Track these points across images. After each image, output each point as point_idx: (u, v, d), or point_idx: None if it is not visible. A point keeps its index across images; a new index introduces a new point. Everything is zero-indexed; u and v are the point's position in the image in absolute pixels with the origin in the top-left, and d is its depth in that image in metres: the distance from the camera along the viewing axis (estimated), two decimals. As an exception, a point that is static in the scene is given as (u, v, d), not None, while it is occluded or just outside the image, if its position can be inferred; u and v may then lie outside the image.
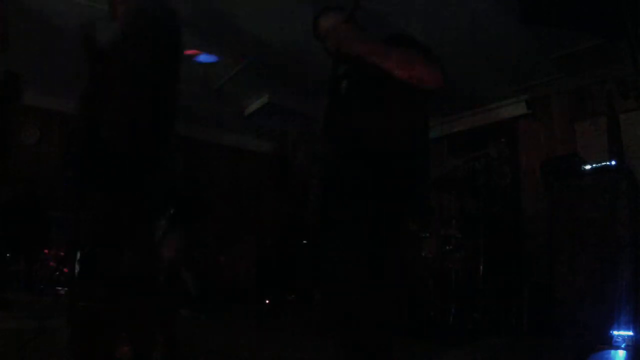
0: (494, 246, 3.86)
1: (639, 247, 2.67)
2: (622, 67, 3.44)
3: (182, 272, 4.23)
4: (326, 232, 1.46)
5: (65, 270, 3.72)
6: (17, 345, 2.03)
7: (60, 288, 3.63)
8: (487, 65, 3.89)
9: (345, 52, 1.42)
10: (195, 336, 2.71)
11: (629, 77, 3.48)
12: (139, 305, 1.50)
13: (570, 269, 2.89)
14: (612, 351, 2.47)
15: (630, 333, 2.52)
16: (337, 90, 1.54)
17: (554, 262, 3.04)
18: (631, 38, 1.90)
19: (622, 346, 2.49)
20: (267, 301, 4.75)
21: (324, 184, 1.49)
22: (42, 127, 4.72)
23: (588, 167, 3.05)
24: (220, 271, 5.29)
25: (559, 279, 2.96)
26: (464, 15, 3.17)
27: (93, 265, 1.40)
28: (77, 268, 1.45)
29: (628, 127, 3.61)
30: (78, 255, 1.46)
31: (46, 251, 4.04)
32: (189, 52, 3.49)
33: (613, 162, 3.01)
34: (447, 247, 3.63)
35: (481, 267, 3.48)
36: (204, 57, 3.75)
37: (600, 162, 3.03)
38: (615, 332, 2.55)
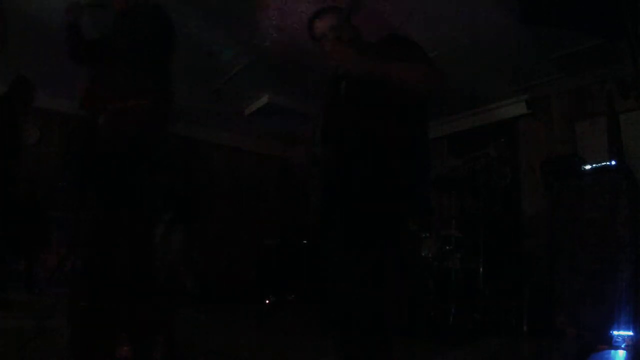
0: (494, 246, 3.86)
1: (639, 247, 2.66)
2: (622, 67, 3.44)
3: (182, 272, 4.23)
4: (326, 232, 1.46)
5: (65, 270, 3.72)
6: (17, 345, 2.03)
7: (60, 288, 3.63)
8: (487, 65, 3.89)
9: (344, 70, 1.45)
10: (195, 336, 2.71)
11: (629, 77, 3.47)
12: (139, 306, 1.50)
13: (570, 269, 2.89)
14: (612, 351, 2.47)
15: (630, 333, 2.52)
16: (337, 91, 1.53)
17: (554, 262, 3.04)
18: (631, 38, 1.90)
19: (622, 346, 2.50)
20: (267, 301, 4.75)
21: (323, 184, 1.49)
22: (42, 127, 4.72)
23: (588, 167, 3.05)
24: (220, 271, 5.29)
25: (559, 279, 2.96)
26: (464, 15, 3.17)
27: (93, 266, 1.40)
28: (77, 268, 1.45)
29: (628, 127, 3.61)
30: (78, 255, 1.46)
31: (46, 251, 4.04)
32: None
33: (613, 162, 3.01)
34: (447, 247, 3.62)
35: (481, 267, 3.48)
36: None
37: (600, 162, 3.03)
38: (615, 332, 2.56)
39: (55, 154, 4.59)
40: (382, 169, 1.33)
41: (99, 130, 1.51)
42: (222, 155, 5.98)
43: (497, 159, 4.66)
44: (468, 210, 4.07)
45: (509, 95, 4.50)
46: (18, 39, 3.26)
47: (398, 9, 3.07)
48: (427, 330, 3.14)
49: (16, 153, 3.30)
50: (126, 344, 1.58)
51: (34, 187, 4.18)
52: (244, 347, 2.59)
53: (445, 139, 5.14)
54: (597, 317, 2.65)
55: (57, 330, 2.08)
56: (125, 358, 1.57)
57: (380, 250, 1.31)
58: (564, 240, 2.99)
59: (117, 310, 1.41)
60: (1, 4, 2.25)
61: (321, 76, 1.72)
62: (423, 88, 1.35)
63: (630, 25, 1.91)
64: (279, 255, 5.21)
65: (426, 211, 1.56)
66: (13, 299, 3.24)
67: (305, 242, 5.15)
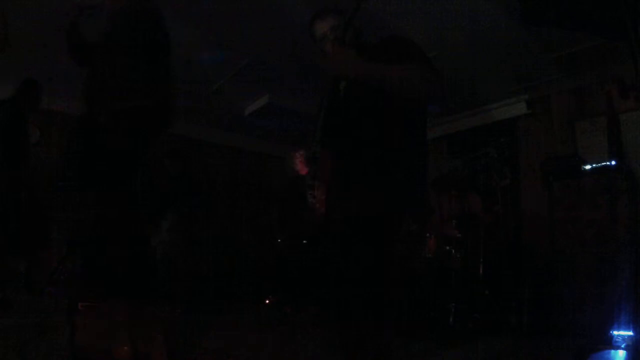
0: (494, 246, 3.86)
1: (639, 247, 2.67)
2: (622, 67, 3.44)
3: (182, 272, 4.23)
4: (326, 232, 1.46)
5: (65, 270, 3.72)
6: (17, 345, 2.03)
7: (60, 288, 3.63)
8: (487, 65, 3.89)
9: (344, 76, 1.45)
10: (195, 336, 2.71)
11: (628, 77, 3.47)
12: (139, 305, 1.50)
13: (570, 269, 2.89)
14: (612, 351, 2.47)
15: (630, 333, 2.52)
16: (336, 91, 1.54)
17: (554, 262, 3.04)
18: (631, 38, 1.90)
19: (622, 346, 2.49)
20: (267, 301, 4.74)
21: (323, 184, 1.49)
22: (42, 127, 4.72)
23: (588, 167, 3.05)
24: (220, 271, 5.28)
25: (559, 279, 2.96)
26: (464, 15, 3.17)
27: (92, 265, 1.40)
28: (76, 268, 1.45)
29: (628, 127, 3.61)
30: (78, 255, 1.46)
31: (46, 251, 4.04)
32: None
33: (613, 162, 3.01)
34: (447, 247, 3.62)
35: (481, 267, 3.48)
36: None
37: (600, 162, 3.02)
38: (615, 332, 2.55)
39: (55, 154, 4.59)
40: (381, 168, 1.33)
41: (99, 130, 1.51)
42: (222, 155, 5.98)
43: (497, 159, 4.66)
44: (468, 210, 4.07)
45: (509, 95, 4.51)
46: (18, 39, 3.26)
47: (398, 9, 3.08)
48: (427, 330, 3.14)
49: (25, 160, 3.26)
50: (126, 344, 1.58)
51: (34, 187, 4.18)
52: (244, 347, 2.59)
53: (445, 139, 5.14)
54: (597, 317, 2.65)
55: (57, 330, 2.08)
56: (125, 358, 1.57)
57: (381, 250, 1.31)
58: (564, 240, 2.99)
59: (116, 310, 1.41)
60: (1, 4, 2.25)
61: (321, 76, 1.72)
62: (422, 93, 1.35)
63: (630, 25, 1.91)
64: (279, 254, 5.19)
65: (426, 211, 1.57)
66: (13, 299, 3.24)
67: (305, 242, 5.13)
